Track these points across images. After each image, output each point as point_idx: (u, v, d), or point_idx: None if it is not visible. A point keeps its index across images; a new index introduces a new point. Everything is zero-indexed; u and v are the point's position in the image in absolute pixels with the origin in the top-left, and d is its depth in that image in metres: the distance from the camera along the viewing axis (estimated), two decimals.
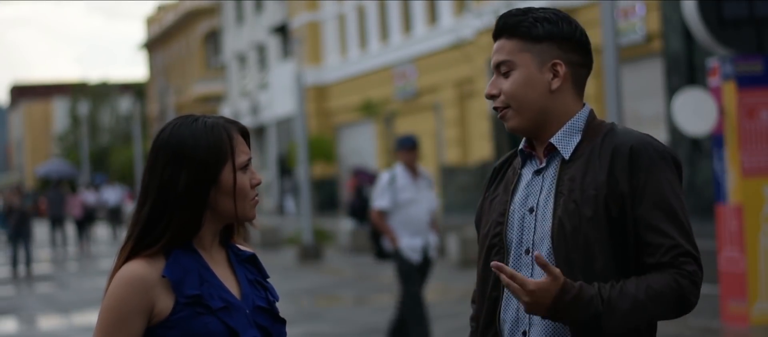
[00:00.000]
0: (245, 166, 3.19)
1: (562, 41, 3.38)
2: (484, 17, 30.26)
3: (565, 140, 3.38)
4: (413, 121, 40.74)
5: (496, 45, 3.43)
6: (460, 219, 33.00)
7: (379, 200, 11.49)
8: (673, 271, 3.26)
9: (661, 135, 27.74)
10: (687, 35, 24.85)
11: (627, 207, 3.28)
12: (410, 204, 11.47)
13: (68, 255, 32.96)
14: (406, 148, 11.58)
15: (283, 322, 3.25)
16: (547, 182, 3.38)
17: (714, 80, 12.50)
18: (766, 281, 12.08)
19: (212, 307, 3.10)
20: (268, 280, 3.30)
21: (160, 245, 3.11)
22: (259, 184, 3.21)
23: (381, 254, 11.92)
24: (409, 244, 11.49)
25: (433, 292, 18.66)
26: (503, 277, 3.20)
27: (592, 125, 3.40)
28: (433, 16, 40.27)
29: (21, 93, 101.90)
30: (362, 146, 45.99)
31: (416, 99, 41.17)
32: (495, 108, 3.43)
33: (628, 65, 27.66)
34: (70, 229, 36.94)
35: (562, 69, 3.38)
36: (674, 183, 3.32)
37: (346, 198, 31.35)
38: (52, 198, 33.79)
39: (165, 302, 3.09)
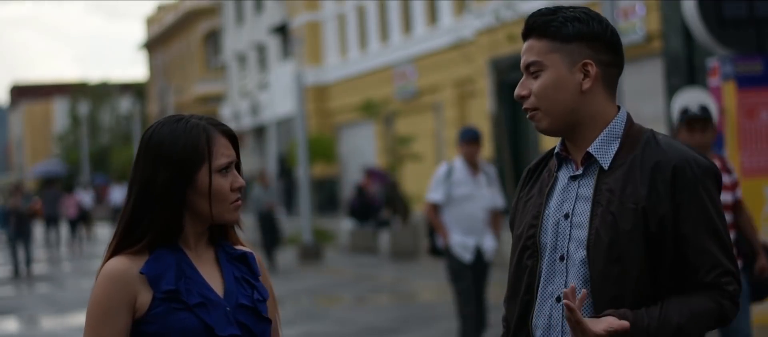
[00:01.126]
0: (225, 169, 3.19)
1: (593, 41, 3.33)
2: (484, 17, 30.25)
3: (604, 149, 3.33)
4: (413, 121, 40.75)
5: (525, 45, 3.38)
6: None
7: (433, 192, 10.81)
8: (715, 292, 3.25)
9: None
10: (687, 35, 24.85)
11: (668, 225, 3.24)
12: (466, 200, 10.82)
13: (61, 255, 32.95)
14: (466, 141, 10.95)
15: (267, 321, 3.26)
16: (584, 189, 3.34)
17: (714, 80, 12.50)
18: None
19: (188, 303, 3.13)
20: (259, 279, 3.30)
21: (143, 243, 3.16)
22: (241, 187, 3.20)
23: (434, 251, 11.14)
24: (461, 242, 10.79)
25: (433, 292, 18.65)
26: (567, 313, 3.18)
27: (631, 132, 3.35)
28: (433, 16, 40.27)
29: (21, 93, 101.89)
30: (362, 146, 45.98)
31: (416, 99, 41.16)
32: (525, 109, 3.39)
33: (628, 65, 27.62)
34: (64, 229, 36.99)
35: (592, 69, 3.33)
36: (716, 201, 3.28)
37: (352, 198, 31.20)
38: (46, 198, 33.82)
39: (144, 297, 3.13)
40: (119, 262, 3.16)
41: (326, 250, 27.45)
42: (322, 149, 42.75)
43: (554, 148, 3.48)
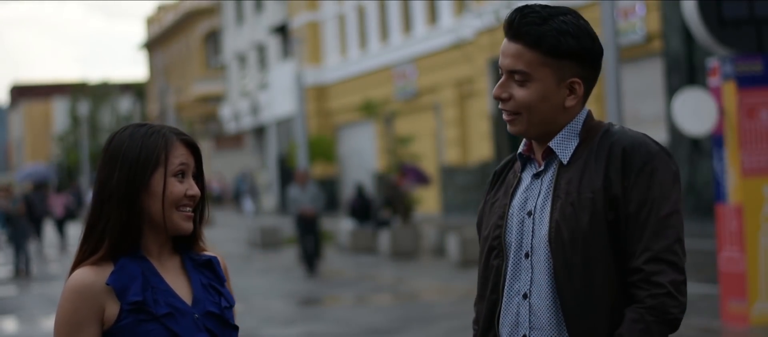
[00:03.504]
0: (181, 174, 3.21)
1: (582, 58, 3.33)
2: (484, 17, 30.25)
3: (564, 144, 3.36)
4: (413, 121, 40.74)
5: (511, 48, 3.35)
6: (459, 219, 33.02)
7: None
8: (644, 294, 3.22)
9: (661, 135, 27.71)
10: (687, 35, 24.85)
11: (620, 209, 3.26)
12: None
13: (47, 255, 33.01)
14: None
15: (234, 328, 3.27)
16: (545, 185, 3.37)
17: (714, 80, 12.50)
18: (766, 281, 12.07)
19: (156, 313, 3.14)
20: (225, 285, 3.30)
21: (103, 249, 3.16)
22: (194, 197, 3.21)
23: None
24: None
25: (432, 292, 18.65)
26: None
27: (589, 127, 3.38)
28: (433, 16, 40.26)
29: (21, 93, 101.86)
30: (362, 146, 45.99)
31: (416, 99, 41.16)
32: (502, 109, 3.39)
33: (628, 65, 27.65)
34: (50, 229, 37.48)
35: (580, 89, 3.34)
36: (665, 184, 3.28)
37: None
38: (32, 200, 34.03)
39: (112, 309, 3.14)
40: (84, 274, 3.15)
41: (326, 250, 27.45)
42: (322, 149, 42.76)
43: (518, 150, 3.50)
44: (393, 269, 23.12)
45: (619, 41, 15.60)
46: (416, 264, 24.04)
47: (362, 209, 28.87)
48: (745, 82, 12.19)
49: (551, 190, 3.34)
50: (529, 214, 3.36)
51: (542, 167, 3.39)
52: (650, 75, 28.64)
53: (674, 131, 25.39)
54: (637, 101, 28.81)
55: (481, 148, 35.90)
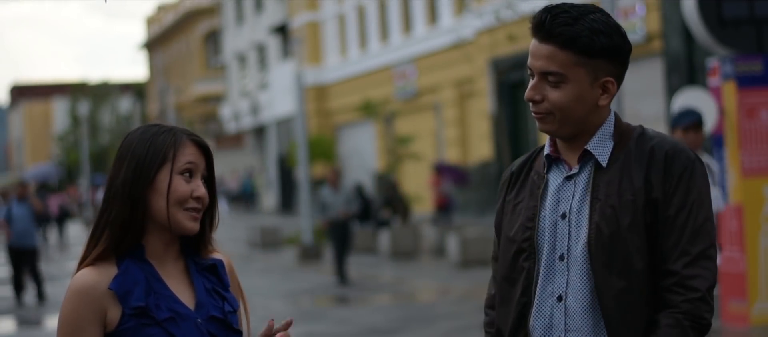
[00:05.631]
0: (188, 173, 3.19)
1: (614, 56, 3.32)
2: (484, 17, 30.24)
3: (601, 147, 3.34)
4: (413, 121, 40.74)
5: (543, 49, 3.31)
6: (460, 219, 32.99)
7: None
8: (680, 299, 3.23)
9: None
10: (687, 35, 24.84)
11: (660, 212, 3.27)
12: None
13: (50, 255, 33.06)
14: (684, 127, 8.76)
15: (237, 333, 3.28)
16: (580, 187, 3.34)
17: (714, 80, 12.50)
18: (766, 281, 12.07)
19: (157, 318, 3.14)
20: (229, 289, 3.29)
21: (103, 243, 3.16)
22: (201, 198, 3.19)
23: None
24: None
25: (433, 292, 18.66)
26: None
27: (621, 129, 3.37)
28: (433, 16, 40.26)
29: (21, 93, 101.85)
30: (362, 146, 45.98)
31: (416, 99, 41.16)
32: (535, 112, 3.36)
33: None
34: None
35: (613, 87, 3.34)
36: (703, 191, 3.30)
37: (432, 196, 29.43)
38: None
39: (114, 312, 3.14)
40: (88, 275, 3.15)
41: (326, 250, 27.45)
42: (322, 149, 42.73)
43: (537, 150, 3.48)
44: (393, 269, 23.12)
45: None
46: (416, 264, 24.04)
47: (362, 209, 28.87)
48: (745, 82, 12.19)
49: (588, 192, 3.32)
50: (563, 216, 3.34)
51: (576, 169, 3.36)
52: (650, 75, 28.64)
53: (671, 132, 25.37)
54: (637, 101, 28.80)
55: (481, 148, 35.89)
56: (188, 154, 3.20)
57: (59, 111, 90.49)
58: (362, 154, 45.45)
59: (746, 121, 12.21)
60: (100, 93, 79.30)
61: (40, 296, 19.15)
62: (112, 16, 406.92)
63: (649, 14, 27.95)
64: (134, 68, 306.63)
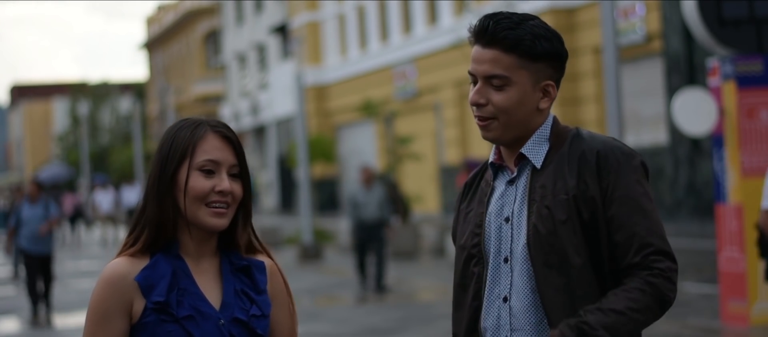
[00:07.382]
0: (206, 169, 3.16)
1: (555, 60, 3.42)
2: None
3: (535, 149, 3.43)
4: (413, 121, 40.75)
5: (487, 54, 3.40)
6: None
7: (766, 199, 8.77)
8: (645, 273, 3.30)
9: (661, 135, 27.73)
10: (687, 35, 24.84)
11: (598, 210, 3.34)
12: None
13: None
14: None
15: None
16: (520, 191, 3.44)
17: (714, 80, 12.50)
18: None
19: (177, 315, 3.12)
20: (263, 293, 3.23)
21: (141, 242, 3.16)
22: (224, 192, 3.14)
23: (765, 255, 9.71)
24: None
25: (433, 292, 18.65)
26: None
27: (558, 132, 3.45)
28: (433, 16, 40.27)
29: (21, 93, 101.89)
30: (362, 146, 45.99)
31: (416, 99, 41.17)
32: (478, 116, 3.43)
33: (628, 65, 27.65)
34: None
35: (553, 91, 3.44)
36: (642, 182, 3.37)
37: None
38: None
39: (139, 305, 3.14)
40: (119, 265, 3.15)
41: (326, 250, 27.44)
42: (322, 149, 42.74)
43: (489, 159, 3.55)
44: (393, 269, 23.13)
45: (619, 41, 15.59)
46: (416, 264, 24.04)
47: (401, 208, 28.77)
48: (745, 82, 12.19)
49: (526, 194, 3.41)
50: (507, 220, 3.44)
51: (515, 173, 3.45)
52: (650, 75, 28.64)
53: (674, 131, 25.38)
54: (637, 101, 28.81)
55: (481, 149, 35.90)
56: (209, 149, 3.16)
57: (59, 111, 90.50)
58: (362, 154, 45.46)
59: (746, 121, 12.21)
60: (100, 93, 79.32)
61: (46, 303, 17.95)
62: (112, 16, 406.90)
63: (649, 14, 27.95)
64: (134, 68, 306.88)
